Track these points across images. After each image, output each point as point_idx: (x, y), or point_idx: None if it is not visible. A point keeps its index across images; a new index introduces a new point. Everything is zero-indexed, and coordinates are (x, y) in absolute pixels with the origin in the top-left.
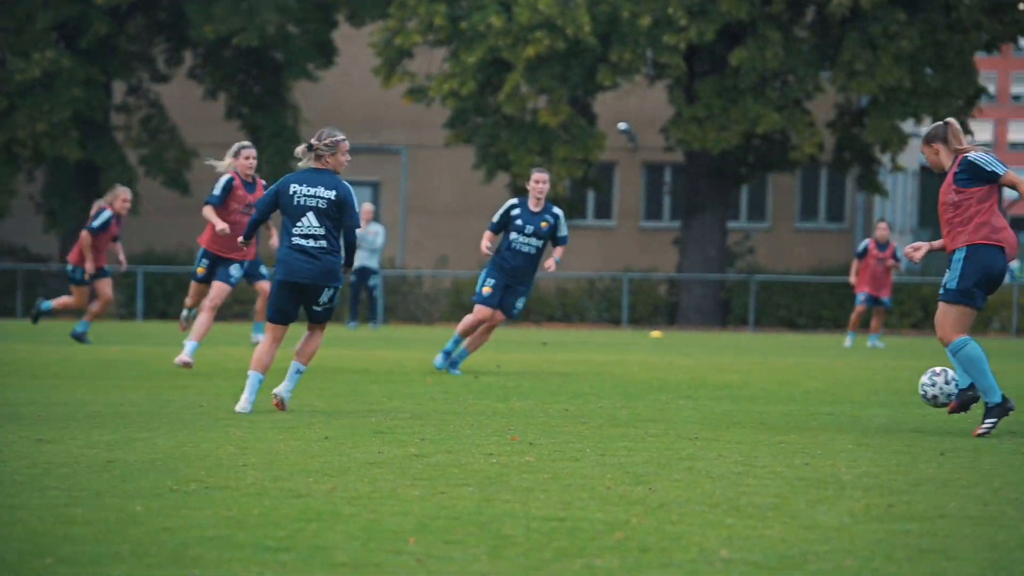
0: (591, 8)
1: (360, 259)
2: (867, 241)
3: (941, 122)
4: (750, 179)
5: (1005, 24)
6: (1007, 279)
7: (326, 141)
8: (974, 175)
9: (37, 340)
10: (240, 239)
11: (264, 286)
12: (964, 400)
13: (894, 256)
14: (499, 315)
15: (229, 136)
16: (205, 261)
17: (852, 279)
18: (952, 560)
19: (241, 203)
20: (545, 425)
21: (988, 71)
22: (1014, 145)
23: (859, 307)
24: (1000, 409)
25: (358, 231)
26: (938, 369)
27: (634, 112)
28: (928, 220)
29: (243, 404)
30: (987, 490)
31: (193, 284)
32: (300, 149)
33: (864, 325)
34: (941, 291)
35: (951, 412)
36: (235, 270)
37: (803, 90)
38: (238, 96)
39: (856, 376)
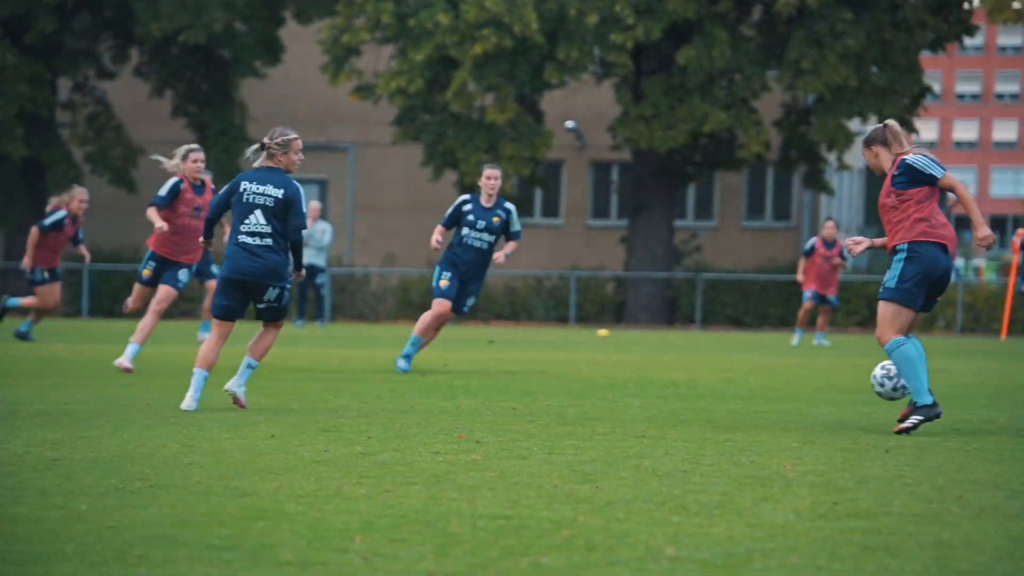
0: (538, 6)
1: (307, 257)
2: (814, 240)
3: (880, 124)
4: (697, 178)
5: (950, 23)
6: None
7: (278, 140)
8: (912, 177)
9: None
10: (201, 239)
11: (214, 285)
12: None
13: (841, 255)
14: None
15: (176, 134)
16: (152, 263)
17: (799, 277)
18: (896, 558)
19: (189, 206)
20: (492, 423)
21: (933, 70)
22: (959, 144)
23: (806, 304)
24: (928, 410)
25: (305, 230)
26: (893, 371)
27: (581, 110)
28: (874, 218)
29: (188, 402)
30: (931, 488)
31: (137, 286)
32: (253, 148)
33: (811, 323)
34: (881, 290)
35: (899, 420)
36: (183, 275)
37: (750, 89)
38: (185, 94)
39: (802, 374)
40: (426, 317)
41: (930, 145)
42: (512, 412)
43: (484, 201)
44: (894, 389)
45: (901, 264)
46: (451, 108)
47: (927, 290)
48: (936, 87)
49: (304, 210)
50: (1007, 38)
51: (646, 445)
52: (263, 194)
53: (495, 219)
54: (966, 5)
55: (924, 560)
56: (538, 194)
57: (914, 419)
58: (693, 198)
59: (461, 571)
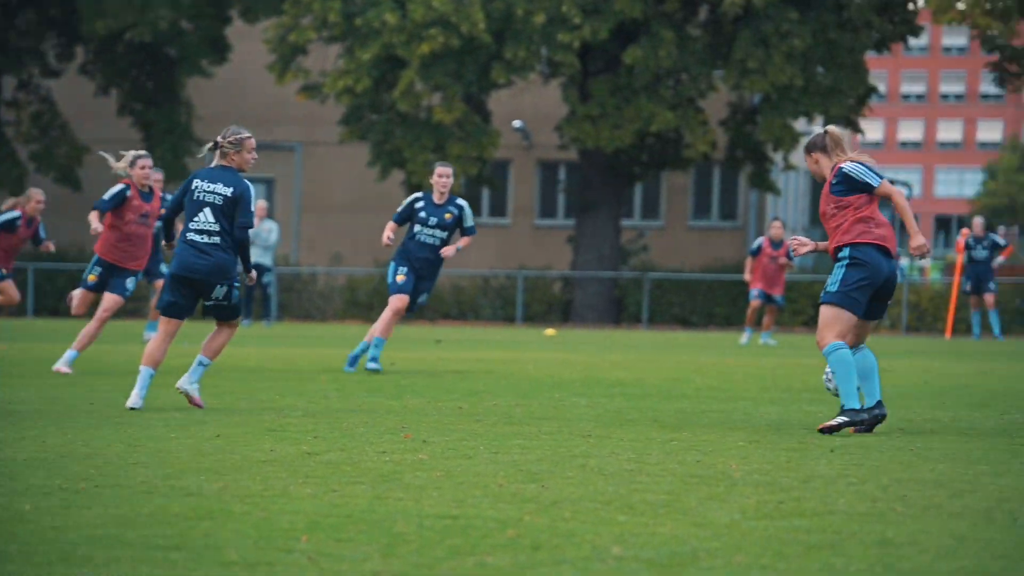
0: (485, 5)
1: (254, 256)
2: (761, 239)
3: (821, 131)
4: (644, 177)
5: (895, 23)
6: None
7: (230, 139)
8: (849, 186)
9: None
10: (164, 242)
11: (161, 284)
12: (872, 420)
13: (788, 255)
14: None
15: (122, 132)
16: (98, 269)
17: (746, 277)
18: (841, 556)
19: (137, 213)
20: (439, 423)
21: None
22: (904, 144)
23: (753, 302)
24: (853, 414)
25: (252, 229)
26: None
27: (528, 110)
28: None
29: (134, 399)
30: (876, 486)
31: (82, 291)
32: (207, 147)
33: (758, 322)
34: (822, 294)
35: (857, 430)
36: (131, 283)
37: (696, 89)
38: (130, 92)
39: (748, 373)
40: (386, 315)
41: (875, 145)
42: (459, 412)
43: (436, 199)
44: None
45: (843, 269)
46: (398, 107)
47: (873, 296)
48: (881, 87)
49: (252, 209)
50: (951, 39)
51: (592, 444)
52: (213, 192)
53: (447, 215)
54: (911, 5)
55: (868, 559)
56: (485, 194)
57: (838, 420)
58: (640, 198)
59: (407, 571)
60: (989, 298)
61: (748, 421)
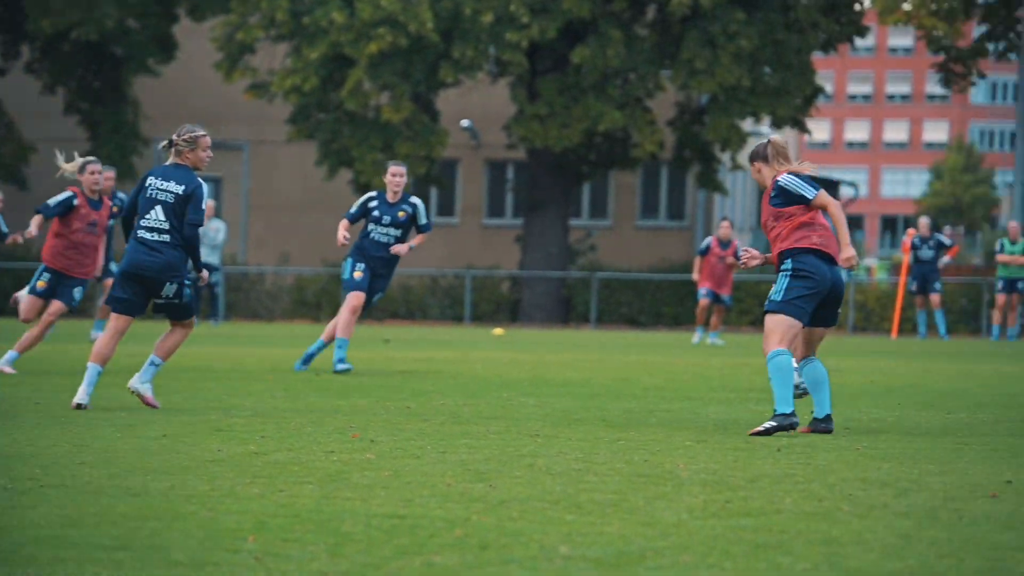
0: (433, 5)
1: (202, 255)
2: (710, 239)
3: (765, 140)
4: (592, 177)
5: (842, 24)
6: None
7: (185, 137)
8: (786, 198)
9: None
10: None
11: (111, 283)
12: (816, 431)
13: (735, 255)
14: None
15: (68, 131)
16: (47, 275)
17: (695, 276)
18: (787, 555)
19: (84, 221)
20: (386, 423)
21: (825, 71)
22: (851, 144)
23: (702, 301)
24: (784, 419)
25: (201, 227)
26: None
27: (477, 109)
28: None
29: (81, 395)
30: (822, 486)
31: (30, 297)
32: (162, 144)
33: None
34: (767, 303)
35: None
36: (78, 292)
37: (644, 88)
38: (77, 91)
39: (695, 373)
40: (344, 314)
41: (822, 145)
42: (406, 411)
43: (390, 197)
44: (796, 386)
45: (786, 279)
46: (346, 106)
47: (821, 303)
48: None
49: (203, 207)
50: (898, 39)
51: (540, 444)
52: (165, 190)
53: (400, 214)
54: (857, 6)
55: (814, 557)
56: (434, 193)
57: (768, 425)
58: (588, 197)
59: (354, 571)
60: (935, 298)
61: (695, 421)
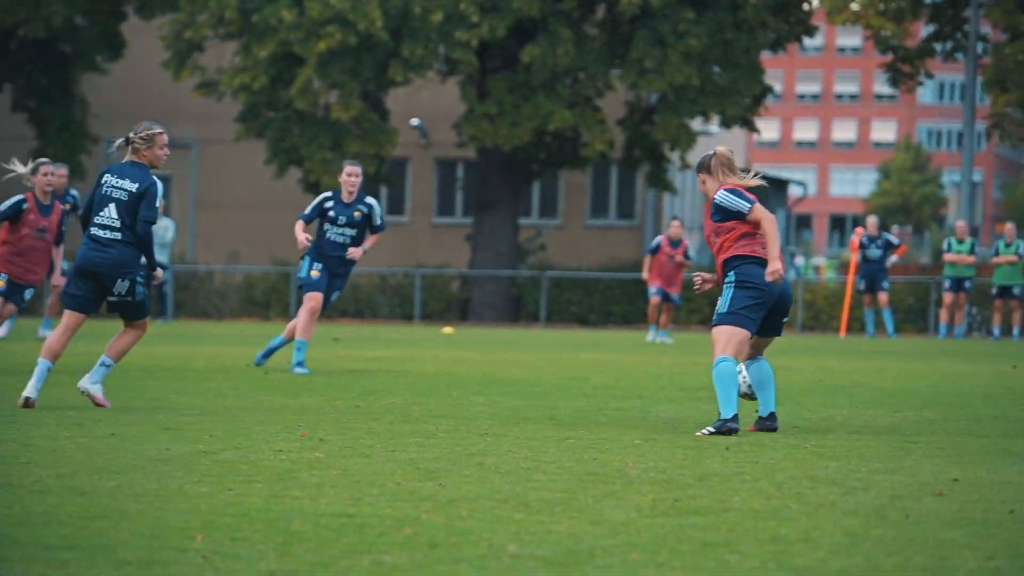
0: (383, 3)
1: None
2: (660, 238)
3: (711, 151)
4: (541, 176)
5: (790, 24)
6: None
7: (142, 134)
8: (724, 215)
9: None
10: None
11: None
12: (762, 429)
13: (686, 254)
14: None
15: (15, 129)
16: (4, 276)
17: (645, 275)
18: (736, 553)
19: (33, 228)
20: (336, 421)
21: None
22: (799, 143)
23: (653, 299)
24: (723, 423)
25: (155, 224)
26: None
27: (427, 108)
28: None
29: (29, 389)
30: (770, 484)
31: None
32: (118, 142)
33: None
34: (714, 316)
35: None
36: (28, 294)
37: (594, 87)
38: (24, 88)
39: (644, 372)
40: (303, 317)
41: (771, 145)
42: (356, 410)
43: (345, 198)
44: (749, 386)
45: (731, 289)
46: (295, 105)
47: (767, 313)
48: (777, 87)
49: (156, 205)
50: (846, 39)
51: (489, 443)
52: (119, 188)
53: (356, 214)
54: (806, 6)
55: (762, 556)
56: (383, 191)
57: (709, 429)
58: (538, 196)
59: (302, 570)
60: (883, 297)
61: (644, 419)
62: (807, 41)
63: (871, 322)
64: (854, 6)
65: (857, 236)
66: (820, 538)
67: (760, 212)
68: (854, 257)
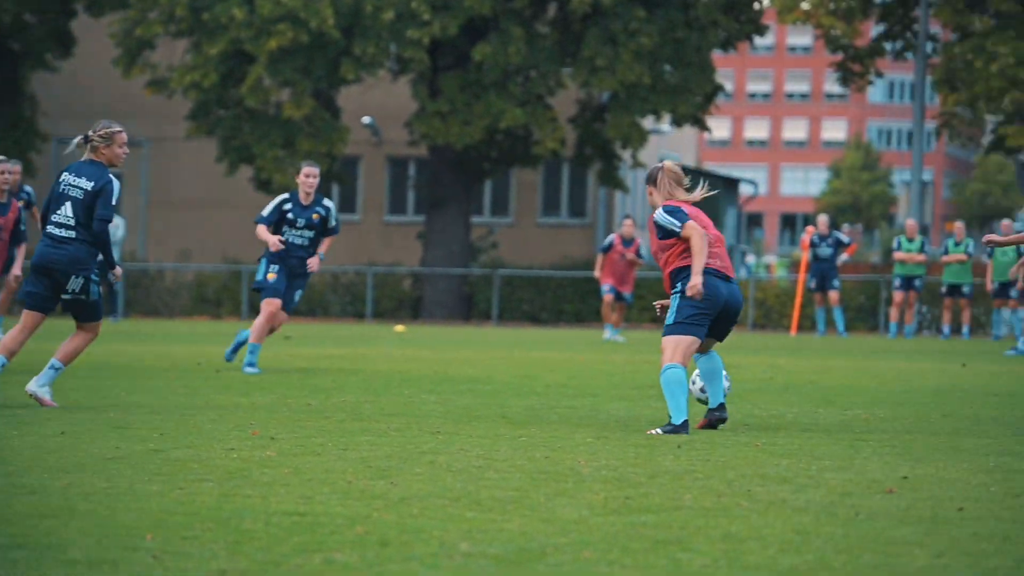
0: (334, 1)
1: None
2: (612, 236)
3: (659, 164)
4: (493, 174)
5: (741, 23)
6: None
7: (100, 132)
8: (664, 233)
9: None
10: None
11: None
12: (711, 419)
13: (638, 253)
14: (279, 318)
15: None
16: None
17: (596, 273)
18: (687, 551)
19: None
20: (287, 420)
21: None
22: (750, 142)
23: (607, 297)
24: (672, 428)
25: (111, 223)
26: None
27: (378, 106)
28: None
29: None
30: (721, 482)
31: None
32: (76, 140)
33: None
34: (664, 327)
35: (699, 429)
36: None
37: (545, 86)
38: None
39: (596, 370)
40: (260, 321)
41: (722, 143)
42: (307, 408)
43: (303, 199)
44: (701, 391)
45: (678, 299)
46: (246, 103)
47: (716, 319)
48: (728, 86)
49: (112, 203)
50: (797, 38)
51: (441, 441)
52: (76, 186)
53: (314, 216)
54: (756, 5)
55: (713, 553)
56: (335, 189)
57: (660, 430)
58: (489, 195)
59: (253, 568)
60: (833, 295)
61: (596, 417)
62: (758, 40)
63: (822, 320)
64: (804, 5)
65: (808, 235)
66: (771, 535)
67: (690, 230)
68: (805, 256)
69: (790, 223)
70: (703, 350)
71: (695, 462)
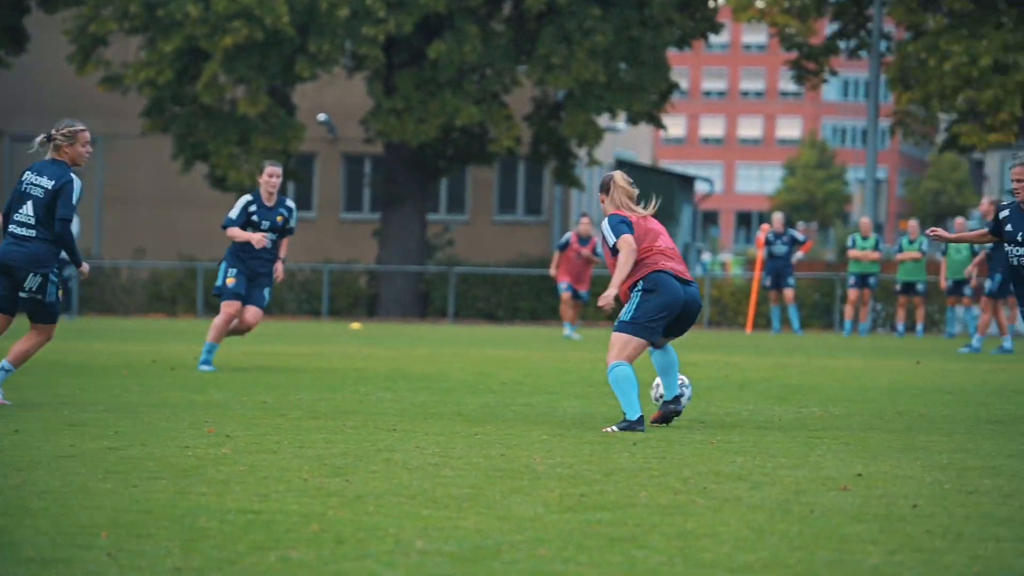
0: None
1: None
2: (569, 234)
3: (611, 174)
4: (449, 172)
5: (696, 21)
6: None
7: (63, 131)
8: (606, 241)
9: None
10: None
11: None
12: (666, 412)
13: (594, 251)
14: (252, 313)
15: None
16: None
17: (552, 271)
18: (642, 548)
19: None
20: (242, 417)
21: (680, 67)
22: (706, 140)
23: (564, 295)
24: (628, 424)
25: (71, 222)
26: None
27: (334, 103)
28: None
29: None
30: (677, 479)
31: None
32: (39, 139)
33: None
34: (616, 323)
35: (653, 422)
36: None
37: (501, 84)
38: None
39: (552, 367)
40: (218, 322)
41: (677, 141)
42: (263, 406)
43: (266, 200)
44: (660, 396)
45: (638, 297)
46: (201, 100)
47: (674, 320)
48: (683, 84)
49: (73, 203)
50: (751, 36)
51: (397, 438)
52: (37, 185)
53: (279, 218)
54: (711, 3)
55: (669, 551)
56: (291, 187)
57: (615, 428)
58: (445, 192)
59: (208, 566)
60: (788, 293)
61: (552, 415)
62: (713, 38)
63: (777, 318)
64: (759, 4)
65: (763, 232)
66: (726, 533)
67: (623, 244)
68: (760, 253)
69: (745, 221)
70: (658, 346)
71: (650, 459)
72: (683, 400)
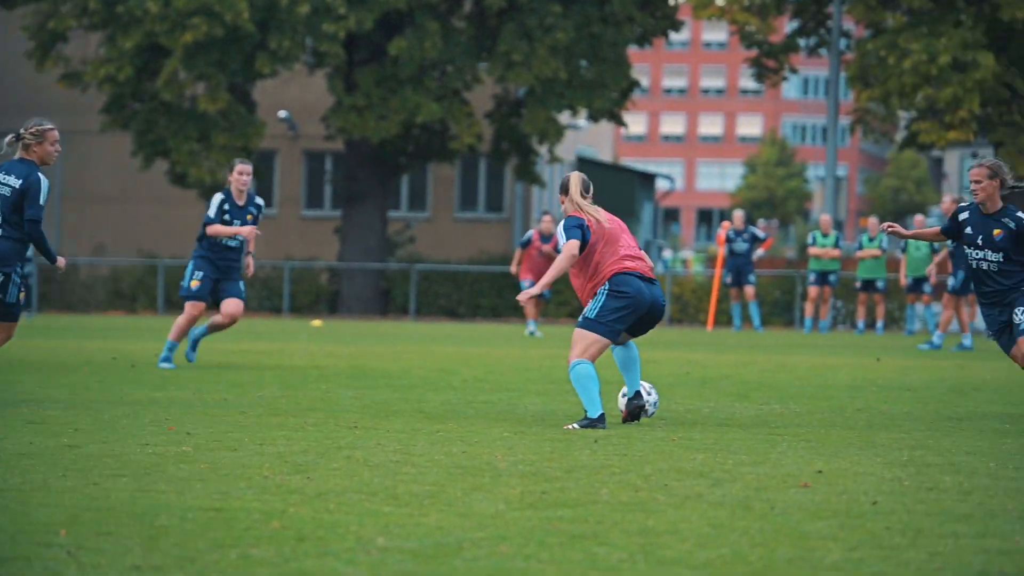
0: None
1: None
2: (531, 232)
3: (569, 175)
4: (410, 169)
5: (657, 18)
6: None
7: (32, 130)
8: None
9: None
10: None
11: None
12: (630, 409)
13: (556, 248)
14: (234, 305)
15: None
16: None
17: (514, 269)
18: (604, 545)
19: None
20: (203, 415)
21: (641, 64)
22: (666, 137)
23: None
24: (589, 422)
25: (39, 222)
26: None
27: (294, 100)
28: None
29: None
30: (638, 476)
31: None
32: (8, 138)
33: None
34: (580, 319)
35: (623, 421)
36: None
37: (462, 81)
38: None
39: (513, 365)
40: (180, 321)
41: (638, 139)
42: (223, 403)
43: (237, 198)
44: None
45: (603, 297)
46: (162, 96)
47: (636, 322)
48: (644, 81)
49: (41, 203)
50: (712, 34)
51: (358, 436)
52: (4, 184)
53: (248, 216)
54: (672, 1)
55: (630, 548)
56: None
57: (576, 425)
58: (406, 189)
59: (169, 564)
60: (749, 290)
61: (513, 412)
62: (673, 36)
63: (738, 315)
64: (719, 2)
65: (724, 230)
66: (687, 529)
67: (568, 249)
68: (721, 251)
69: (706, 218)
70: (620, 342)
71: (612, 457)
72: (649, 409)
